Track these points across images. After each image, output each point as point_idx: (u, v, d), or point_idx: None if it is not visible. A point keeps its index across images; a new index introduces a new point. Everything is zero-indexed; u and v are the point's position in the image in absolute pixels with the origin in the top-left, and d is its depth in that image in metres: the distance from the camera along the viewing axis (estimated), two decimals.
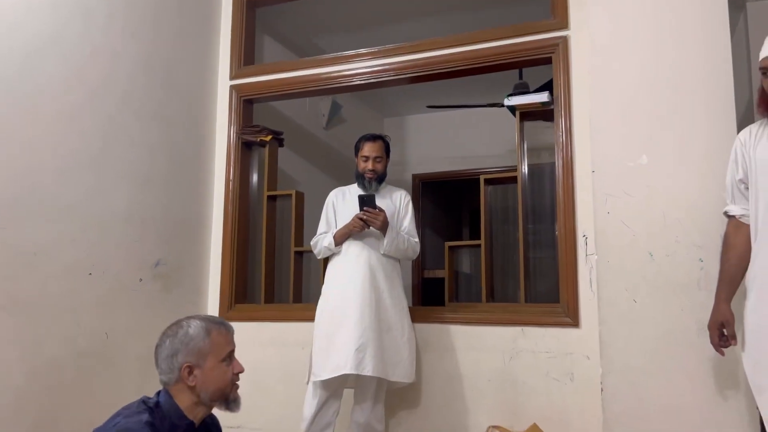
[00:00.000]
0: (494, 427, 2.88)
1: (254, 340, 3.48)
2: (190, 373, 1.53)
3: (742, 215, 2.01)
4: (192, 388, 1.54)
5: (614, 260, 2.50)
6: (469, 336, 3.08)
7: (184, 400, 1.54)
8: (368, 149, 2.94)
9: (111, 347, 2.92)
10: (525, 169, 3.27)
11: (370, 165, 2.93)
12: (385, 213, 2.81)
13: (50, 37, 2.74)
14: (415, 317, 3.13)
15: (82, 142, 2.87)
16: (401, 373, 2.77)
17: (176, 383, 1.54)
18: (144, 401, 1.53)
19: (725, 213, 2.08)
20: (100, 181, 2.95)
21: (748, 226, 1.99)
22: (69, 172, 2.79)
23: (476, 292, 3.41)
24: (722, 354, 2.09)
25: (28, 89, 2.63)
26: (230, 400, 1.61)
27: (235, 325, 3.55)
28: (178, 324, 1.60)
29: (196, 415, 1.56)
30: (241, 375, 3.55)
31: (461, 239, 6.73)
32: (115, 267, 3.00)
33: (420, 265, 5.94)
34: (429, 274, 5.98)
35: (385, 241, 2.82)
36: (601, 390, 2.45)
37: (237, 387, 1.63)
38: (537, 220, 3.26)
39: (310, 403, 2.78)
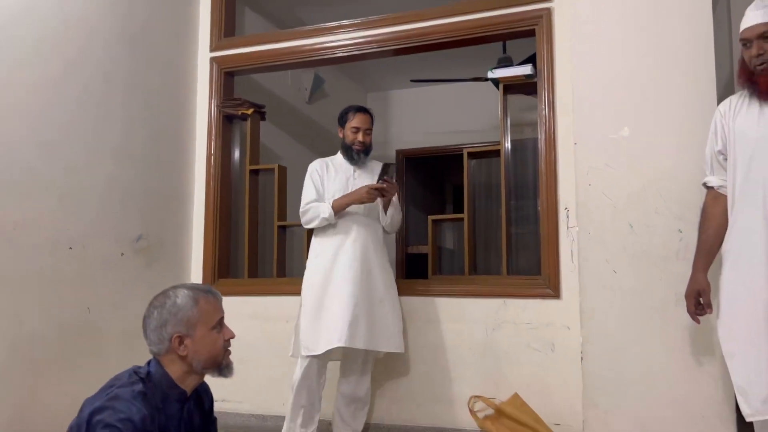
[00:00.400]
0: (476, 396, 2.92)
1: (238, 314, 3.45)
2: (181, 342, 1.52)
3: (721, 186, 2.04)
4: (183, 358, 1.53)
5: (595, 232, 2.53)
6: (451, 308, 3.11)
7: (175, 370, 1.53)
8: (358, 121, 2.89)
9: (94, 322, 2.91)
10: (508, 143, 3.27)
11: (360, 137, 2.88)
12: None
13: (25, 7, 2.66)
14: (399, 290, 3.14)
15: (60, 115, 2.82)
16: (393, 343, 2.80)
17: (167, 353, 1.53)
18: (135, 371, 1.53)
19: (704, 184, 2.11)
20: (78, 154, 2.90)
21: (725, 197, 2.02)
22: (47, 146, 2.74)
23: (459, 268, 3.44)
24: (698, 322, 2.14)
25: (3, 60, 2.56)
26: (223, 367, 1.60)
27: None
28: (164, 294, 1.58)
29: (188, 384, 1.57)
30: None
31: (444, 211, 6.75)
32: (96, 241, 2.97)
33: (404, 240, 5.96)
34: (413, 249, 6.00)
35: (389, 213, 2.84)
36: (581, 359, 2.50)
37: (229, 353, 1.62)
38: (520, 196, 3.28)
39: (298, 376, 2.77)
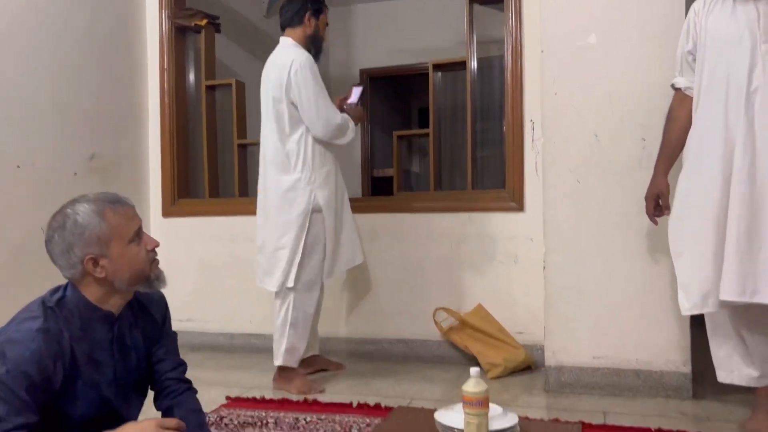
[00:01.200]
0: (441, 308, 2.98)
1: (200, 235, 3.42)
2: (96, 264, 1.34)
3: (687, 88, 2.01)
4: (102, 280, 1.36)
5: (560, 142, 2.51)
6: (417, 224, 3.11)
7: (93, 292, 1.37)
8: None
9: None
10: (474, 56, 3.19)
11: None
12: None
13: None
14: (365, 208, 3.13)
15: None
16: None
17: (83, 277, 1.35)
18: (43, 301, 1.35)
19: (672, 85, 2.08)
20: (21, 69, 2.73)
21: (692, 99, 2.00)
22: None
23: (425, 190, 3.40)
24: (655, 223, 2.18)
25: None
26: (152, 280, 1.42)
27: (180, 221, 3.53)
28: (62, 213, 1.35)
29: (113, 305, 1.40)
30: (187, 266, 3.46)
31: (410, 139, 6.66)
32: (45, 160, 2.84)
33: (369, 164, 5.89)
34: (378, 173, 5.95)
35: None
36: (544, 268, 2.54)
37: (157, 263, 1.43)
38: (486, 117, 3.25)
39: (309, 300, 2.60)
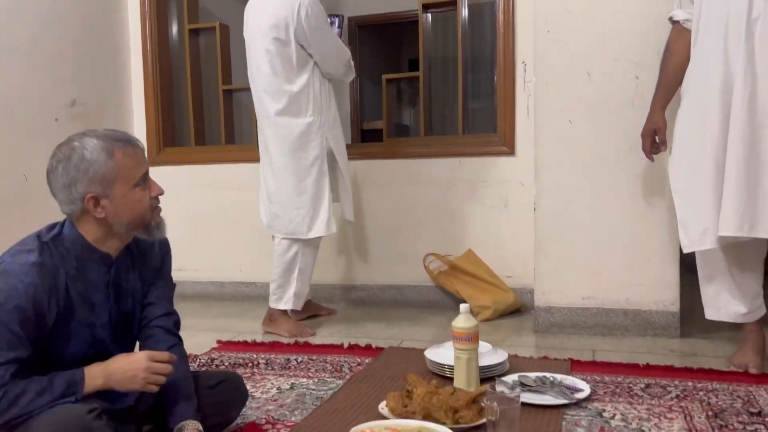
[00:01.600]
0: (431, 254, 2.97)
1: (187, 184, 3.37)
2: (97, 204, 1.29)
3: (686, 20, 1.95)
4: (101, 220, 1.31)
5: (552, 81, 2.46)
6: (407, 170, 3.08)
7: (91, 232, 1.33)
8: None
9: (32, 190, 2.76)
10: None
11: None
12: None
13: None
14: (355, 155, 3.08)
15: None
16: None
17: (82, 215, 1.31)
18: (39, 235, 1.31)
19: (670, 18, 2.01)
20: None
21: (690, 32, 1.94)
22: None
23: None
24: (652, 160, 2.15)
25: None
26: (152, 228, 1.38)
27: (167, 170, 3.46)
28: (69, 145, 1.29)
29: (110, 246, 1.36)
30: (175, 215, 3.42)
31: (399, 88, 6.56)
32: (24, 106, 2.76)
33: (358, 117, 5.80)
34: (368, 125, 5.87)
35: None
36: (534, 210, 2.52)
37: (159, 210, 1.40)
38: (477, 69, 3.19)
39: (316, 245, 2.61)
